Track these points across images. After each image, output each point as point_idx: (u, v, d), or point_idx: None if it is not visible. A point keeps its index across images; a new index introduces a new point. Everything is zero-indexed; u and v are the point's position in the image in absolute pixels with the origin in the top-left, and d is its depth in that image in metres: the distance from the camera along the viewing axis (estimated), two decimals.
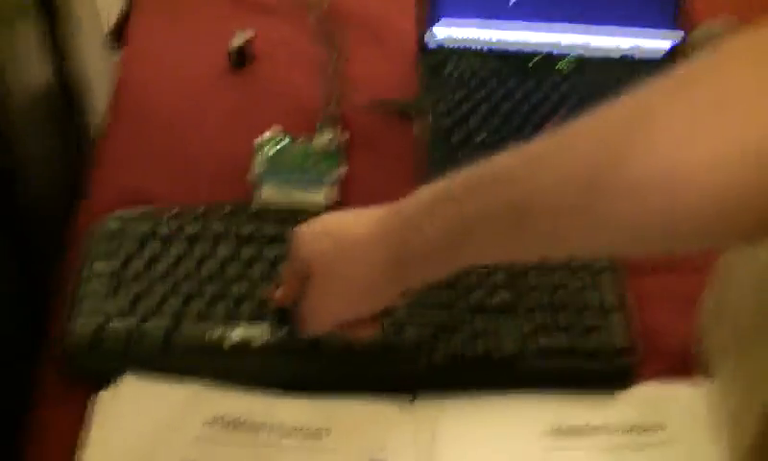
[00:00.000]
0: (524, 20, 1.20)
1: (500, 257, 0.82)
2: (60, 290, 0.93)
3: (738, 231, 0.58)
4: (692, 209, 0.56)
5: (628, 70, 1.21)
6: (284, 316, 0.86)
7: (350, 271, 0.76)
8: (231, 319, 0.88)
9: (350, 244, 0.76)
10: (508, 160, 0.65)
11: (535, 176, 0.63)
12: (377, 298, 0.78)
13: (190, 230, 0.95)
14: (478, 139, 1.10)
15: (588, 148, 0.61)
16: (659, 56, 1.22)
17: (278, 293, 0.86)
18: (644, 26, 1.21)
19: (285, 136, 1.10)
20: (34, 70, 1.21)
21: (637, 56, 1.22)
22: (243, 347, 0.87)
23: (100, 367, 0.87)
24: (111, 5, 1.46)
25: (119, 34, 1.34)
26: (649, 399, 0.88)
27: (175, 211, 0.97)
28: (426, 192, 0.71)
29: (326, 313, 0.80)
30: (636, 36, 1.22)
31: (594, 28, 1.21)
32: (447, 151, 1.10)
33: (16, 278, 1.03)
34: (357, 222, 0.76)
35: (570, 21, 1.20)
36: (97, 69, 1.59)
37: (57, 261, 0.98)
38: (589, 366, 0.88)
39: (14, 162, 1.06)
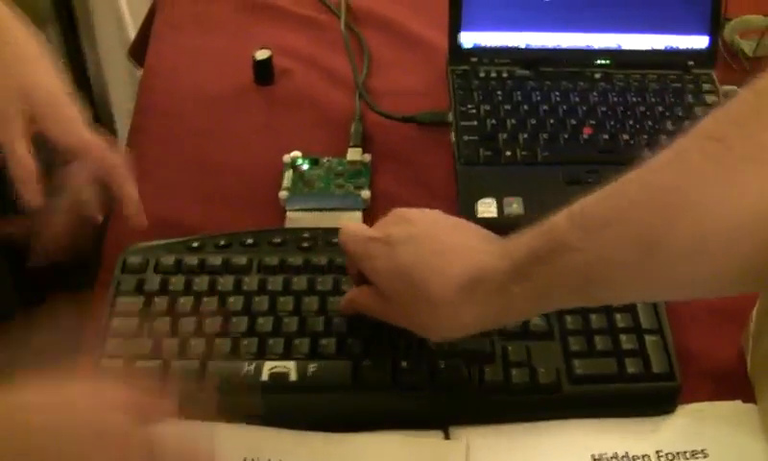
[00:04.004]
0: (555, 30, 1.18)
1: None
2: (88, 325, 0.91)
3: None
4: (750, 263, 0.63)
5: (664, 70, 1.18)
6: None
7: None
8: (261, 356, 0.86)
9: (432, 300, 0.76)
10: (566, 228, 0.70)
11: (595, 246, 0.68)
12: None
13: (213, 262, 0.93)
14: (508, 154, 1.08)
15: (642, 215, 0.66)
16: (697, 53, 1.19)
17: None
18: (678, 32, 1.18)
19: (311, 157, 1.08)
20: None
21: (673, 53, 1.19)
22: (277, 384, 0.85)
23: None
24: (137, 18, 1.45)
25: (140, 50, 1.32)
26: (691, 424, 0.85)
27: (197, 243, 0.95)
28: (504, 263, 0.73)
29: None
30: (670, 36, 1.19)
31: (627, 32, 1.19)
32: (476, 168, 1.07)
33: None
34: (445, 267, 0.77)
35: (602, 30, 1.17)
36: (120, 82, 1.58)
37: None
38: (629, 392, 0.86)
39: None
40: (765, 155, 0.62)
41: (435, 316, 0.77)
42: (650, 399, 0.86)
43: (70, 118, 0.90)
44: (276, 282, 0.92)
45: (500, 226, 0.96)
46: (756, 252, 0.62)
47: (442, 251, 0.78)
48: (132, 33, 1.64)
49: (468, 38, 1.18)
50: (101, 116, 1.47)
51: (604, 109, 1.13)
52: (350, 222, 1.00)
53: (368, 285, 0.83)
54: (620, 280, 0.69)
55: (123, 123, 1.24)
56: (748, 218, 0.62)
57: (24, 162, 0.87)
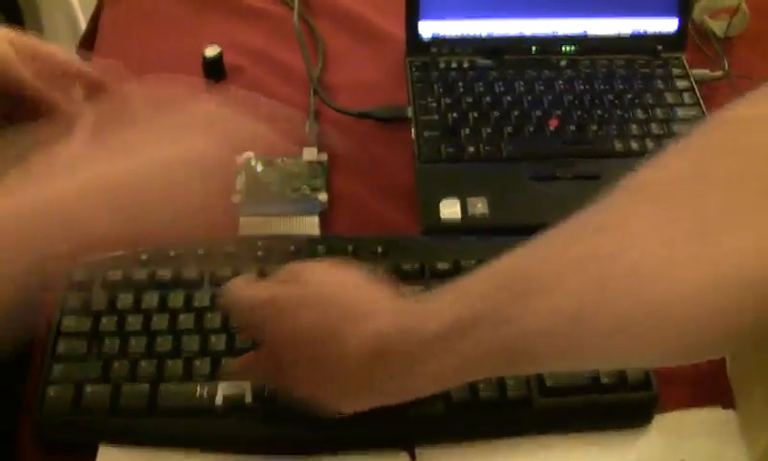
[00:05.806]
0: (518, 16, 1.13)
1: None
2: (33, 349, 0.87)
3: (734, 343, 0.65)
4: (680, 338, 0.60)
5: (632, 55, 1.15)
6: None
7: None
8: (214, 377, 0.82)
9: (346, 367, 0.69)
10: (498, 294, 0.64)
11: (525, 316, 0.62)
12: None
13: (162, 276, 0.89)
14: (471, 150, 1.03)
15: (572, 286, 0.61)
16: (666, 36, 1.15)
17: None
18: (646, 15, 1.14)
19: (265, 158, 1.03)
20: None
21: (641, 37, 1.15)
22: (232, 406, 0.80)
23: (77, 438, 0.81)
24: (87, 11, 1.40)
25: (91, 45, 1.27)
26: (670, 434, 0.82)
27: (145, 256, 0.90)
28: (418, 333, 0.66)
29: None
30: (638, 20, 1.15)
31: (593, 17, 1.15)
32: (437, 166, 1.03)
33: None
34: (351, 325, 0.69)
35: (567, 15, 1.13)
36: None
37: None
38: (603, 404, 0.82)
39: None
40: (713, 223, 0.59)
41: (347, 384, 0.70)
42: (626, 410, 0.82)
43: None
44: None
45: (466, 228, 0.93)
46: (702, 323, 0.59)
47: (350, 314, 0.70)
48: (83, 26, 1.59)
49: (426, 28, 1.13)
50: None
51: (570, 98, 1.09)
52: (308, 224, 0.98)
53: (256, 352, 0.77)
54: (546, 353, 0.63)
55: None
56: (687, 295, 0.58)
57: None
